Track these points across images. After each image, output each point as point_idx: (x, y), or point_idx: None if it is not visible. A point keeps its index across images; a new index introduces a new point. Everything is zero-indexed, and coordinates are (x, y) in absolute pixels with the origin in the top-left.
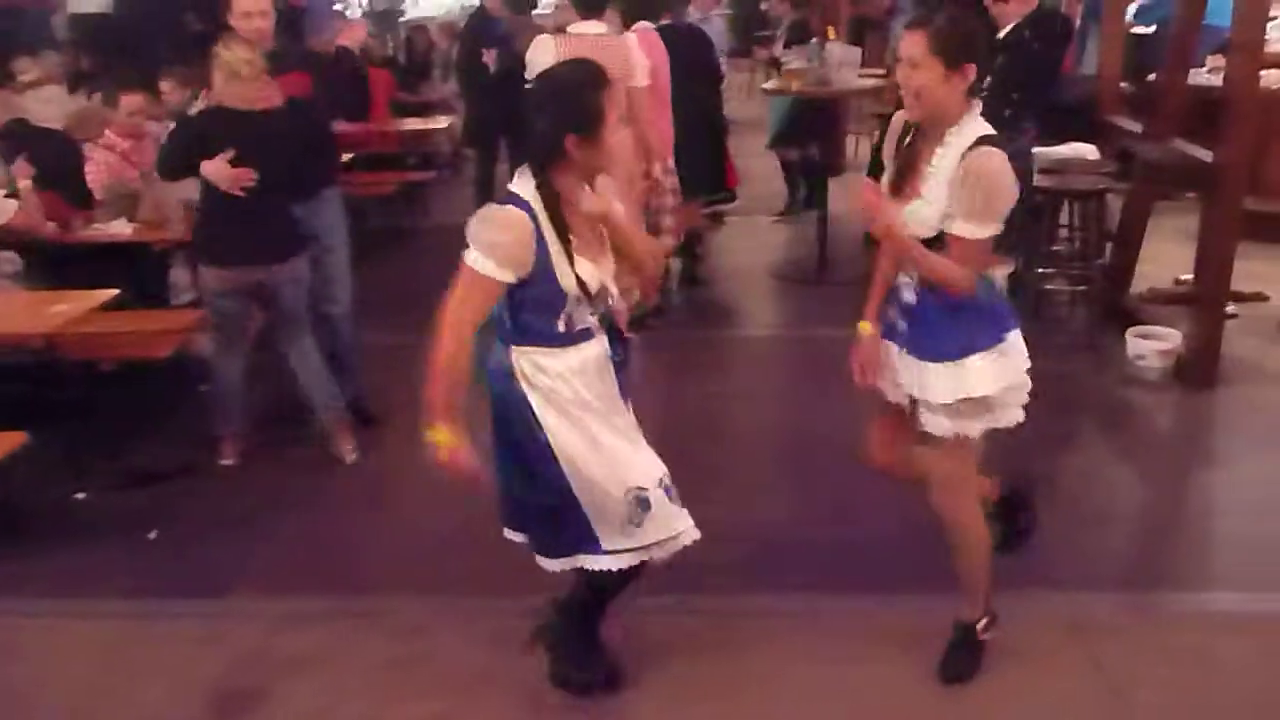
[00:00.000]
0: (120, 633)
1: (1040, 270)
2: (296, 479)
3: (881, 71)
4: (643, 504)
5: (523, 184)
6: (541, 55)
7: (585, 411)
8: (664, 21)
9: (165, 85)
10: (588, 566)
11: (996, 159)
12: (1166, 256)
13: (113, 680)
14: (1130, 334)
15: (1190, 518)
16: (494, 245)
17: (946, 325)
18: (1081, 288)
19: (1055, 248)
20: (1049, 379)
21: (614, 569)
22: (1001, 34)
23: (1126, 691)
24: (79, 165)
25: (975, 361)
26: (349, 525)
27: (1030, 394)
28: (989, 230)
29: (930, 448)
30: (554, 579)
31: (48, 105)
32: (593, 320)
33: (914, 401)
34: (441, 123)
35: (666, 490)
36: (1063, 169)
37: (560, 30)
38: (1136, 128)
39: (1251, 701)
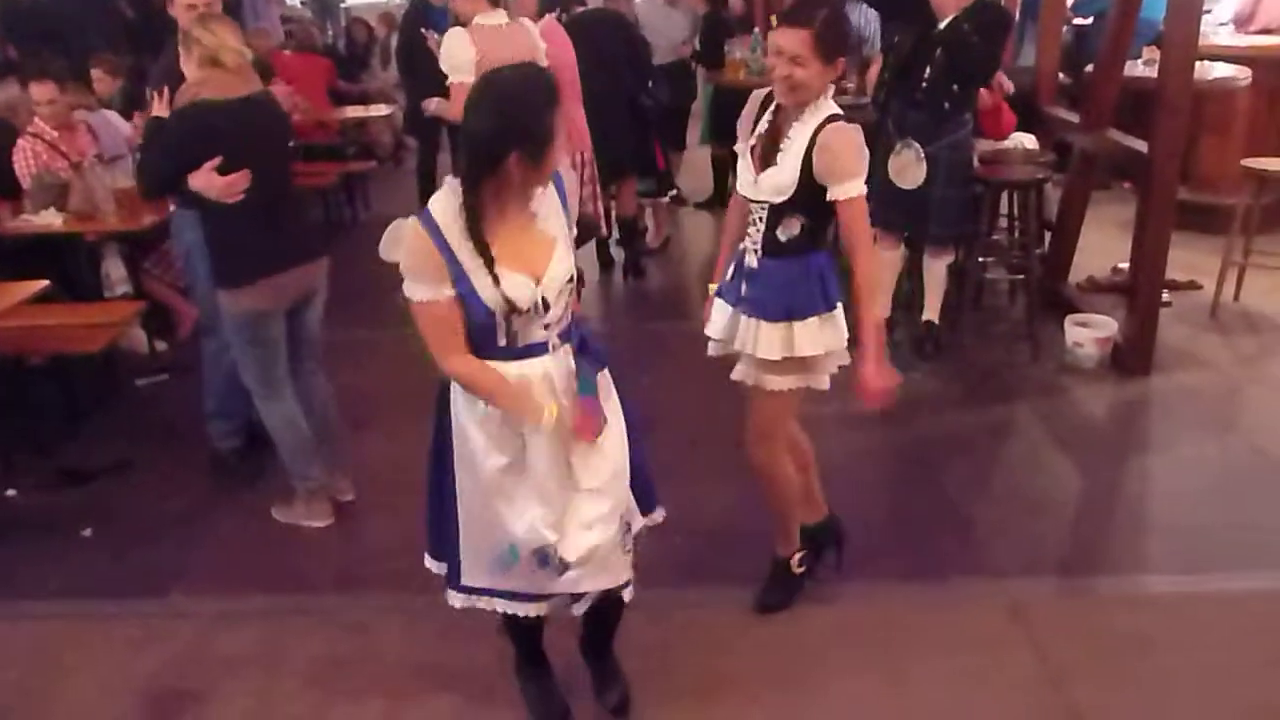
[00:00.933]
0: (52, 634)
1: (980, 259)
2: (233, 477)
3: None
4: (511, 553)
5: (443, 193)
6: (459, 48)
7: (503, 437)
8: (582, 8)
9: (95, 74)
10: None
11: (848, 129)
12: (1104, 246)
13: (44, 682)
14: (1068, 322)
15: (1126, 503)
16: (408, 269)
17: (784, 290)
18: (1020, 277)
19: (995, 237)
20: (989, 367)
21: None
22: (940, 27)
23: (1066, 675)
24: (8, 154)
25: (803, 325)
26: (288, 524)
27: (971, 381)
28: (857, 188)
29: (751, 404)
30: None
31: None
32: (547, 334)
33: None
34: (382, 111)
35: (542, 558)
36: (1002, 159)
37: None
38: (1074, 119)
39: (1188, 682)
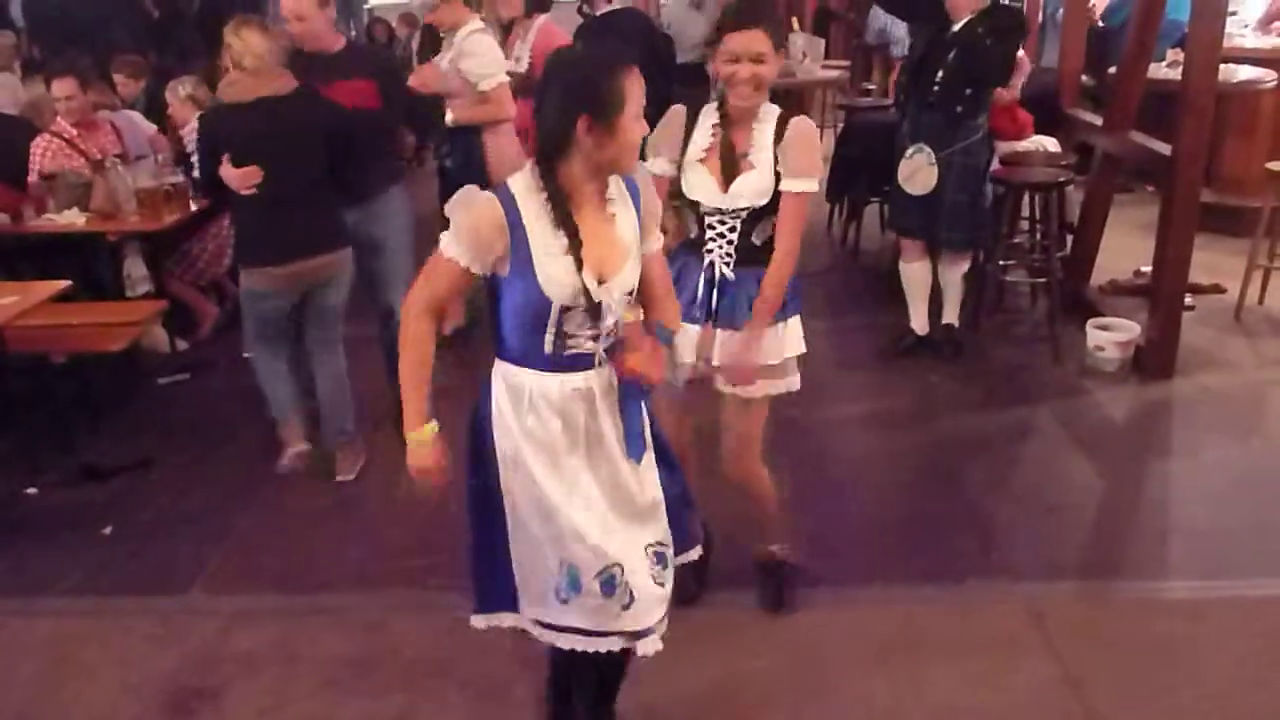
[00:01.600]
0: (72, 630)
1: (1001, 262)
2: (253, 475)
3: (846, 63)
4: (573, 582)
5: (523, 173)
6: (492, 47)
7: (555, 455)
8: (609, 8)
9: (118, 77)
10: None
11: (808, 124)
12: (1126, 249)
13: (63, 678)
14: (1090, 325)
15: (1147, 507)
16: (459, 227)
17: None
18: (1042, 280)
19: (1016, 240)
20: (1009, 369)
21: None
22: (954, 28)
23: (1084, 679)
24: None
25: (789, 325)
26: (306, 522)
27: (991, 384)
28: (813, 185)
29: (732, 415)
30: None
31: (1, 93)
32: (595, 346)
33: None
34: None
35: (608, 585)
36: (1024, 161)
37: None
38: (1096, 121)
39: (1207, 688)
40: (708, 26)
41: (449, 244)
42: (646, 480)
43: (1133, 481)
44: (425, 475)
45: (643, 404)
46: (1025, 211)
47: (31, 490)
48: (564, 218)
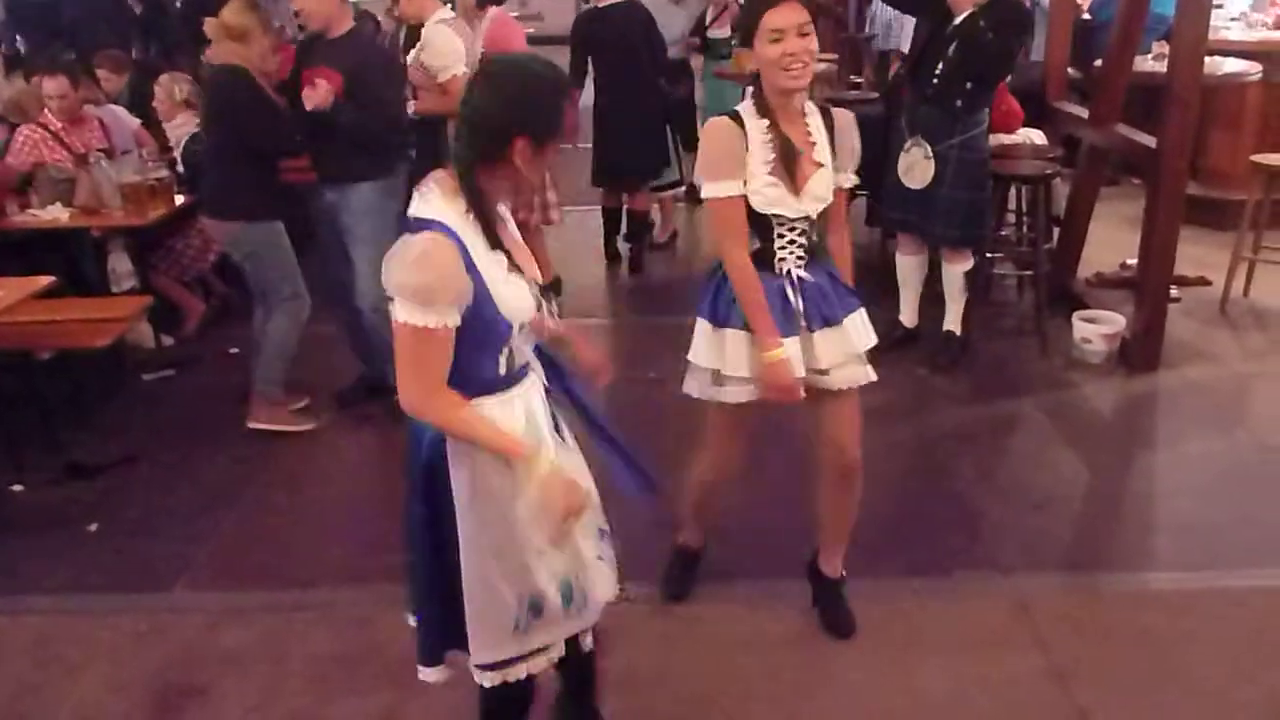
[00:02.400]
0: (57, 628)
1: (988, 254)
2: (239, 471)
3: (833, 56)
4: (535, 608)
5: (434, 199)
6: (450, 39)
7: (510, 496)
8: (604, 2)
9: (101, 73)
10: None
11: (847, 112)
12: (1112, 241)
13: (48, 676)
14: (1076, 318)
15: (1133, 499)
16: (425, 290)
17: (838, 279)
18: (1028, 272)
19: (1003, 232)
20: (995, 362)
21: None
22: (956, 21)
23: (1070, 671)
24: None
25: (858, 318)
26: (293, 518)
27: (978, 377)
28: (854, 176)
29: (843, 406)
30: None
31: None
32: (529, 352)
33: (820, 373)
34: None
35: (565, 595)
36: (1010, 154)
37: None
38: (1083, 113)
39: (1192, 681)
40: (687, 23)
41: (420, 314)
42: (579, 462)
43: (1119, 474)
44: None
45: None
46: (1012, 204)
47: (17, 488)
48: (493, 238)
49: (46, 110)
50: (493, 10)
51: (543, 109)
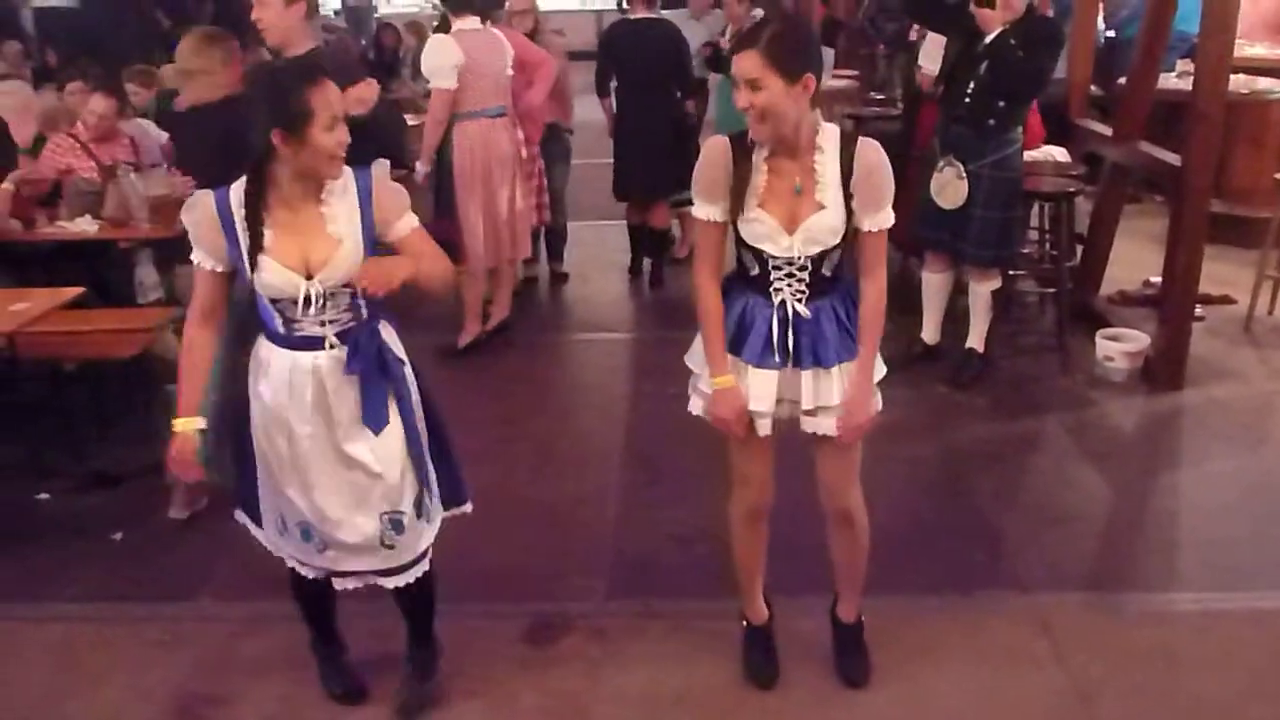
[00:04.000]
0: (81, 636)
1: (1010, 272)
2: None
3: (854, 72)
4: (281, 522)
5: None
6: (442, 53)
7: (279, 421)
8: (644, 14)
9: (130, 87)
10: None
11: (877, 147)
12: (1135, 259)
13: (71, 684)
14: (1099, 336)
15: (1156, 518)
16: (193, 235)
17: (844, 324)
18: (1050, 289)
19: (1025, 249)
20: (1017, 379)
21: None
22: (986, 40)
23: (1092, 691)
24: None
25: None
26: None
27: (999, 393)
28: (890, 217)
29: (834, 452)
30: (526, 585)
31: (10, 99)
32: (324, 331)
33: (806, 414)
34: (410, 120)
35: (304, 532)
36: (1033, 171)
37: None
38: (1106, 131)
39: (1213, 701)
40: (707, 38)
41: (195, 254)
42: (383, 452)
43: (1141, 492)
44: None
45: (386, 377)
46: (1034, 221)
47: (43, 496)
48: (252, 218)
49: (79, 123)
50: (470, 21)
51: (286, 102)
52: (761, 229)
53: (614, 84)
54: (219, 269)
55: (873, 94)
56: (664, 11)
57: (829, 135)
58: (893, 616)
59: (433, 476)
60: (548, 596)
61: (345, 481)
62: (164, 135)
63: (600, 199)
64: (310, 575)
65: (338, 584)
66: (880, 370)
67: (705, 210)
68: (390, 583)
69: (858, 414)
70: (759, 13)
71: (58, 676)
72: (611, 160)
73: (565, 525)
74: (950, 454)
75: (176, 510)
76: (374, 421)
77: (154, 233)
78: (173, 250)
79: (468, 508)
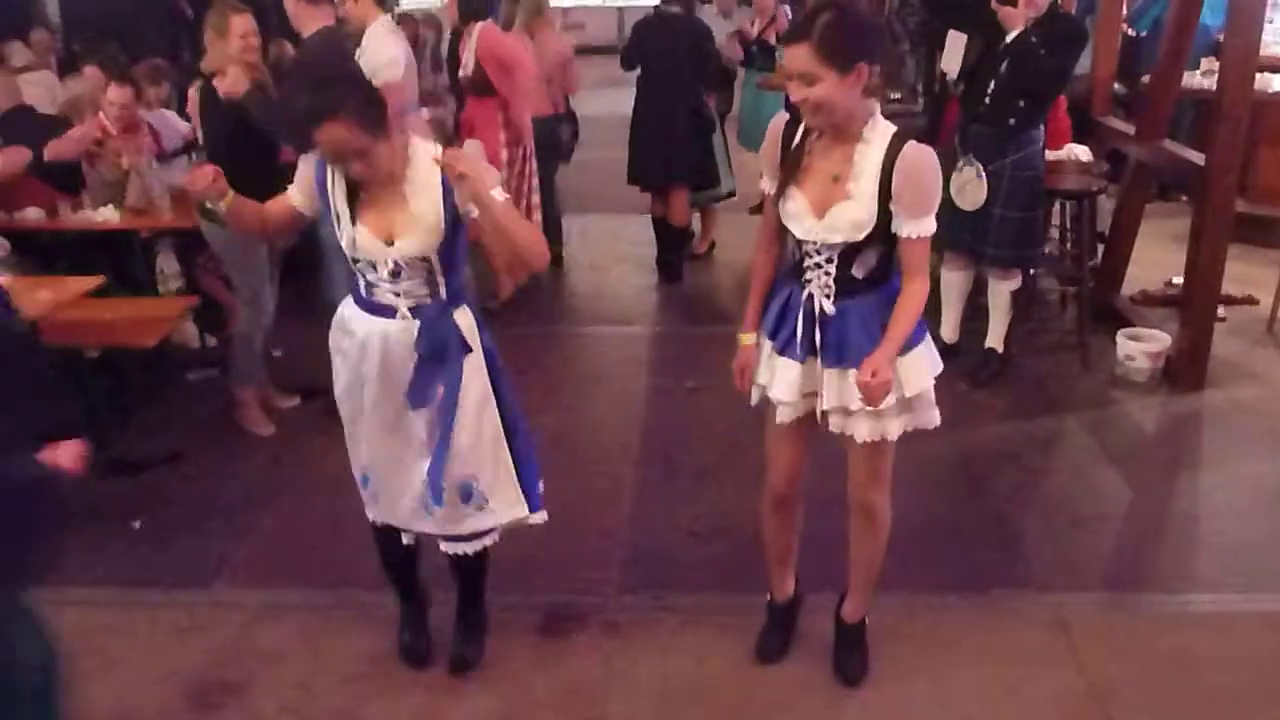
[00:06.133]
0: (99, 621)
1: (1030, 270)
2: (280, 470)
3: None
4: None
5: None
6: (388, 46)
7: (354, 375)
8: (669, 9)
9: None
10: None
11: (927, 152)
12: (1157, 259)
13: (86, 669)
14: (1120, 335)
15: (1176, 519)
16: (298, 175)
17: (874, 331)
18: (1072, 288)
19: (1045, 248)
20: (1037, 378)
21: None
22: (1008, 39)
23: (1109, 691)
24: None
25: (908, 359)
26: (332, 519)
27: (1019, 392)
28: (933, 224)
29: (858, 450)
30: (540, 578)
31: (36, 89)
32: (398, 302)
33: (824, 413)
34: (424, 115)
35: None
36: (1055, 170)
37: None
38: (1129, 129)
39: (1230, 703)
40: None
41: (291, 188)
42: (432, 428)
43: (1161, 493)
44: None
45: (442, 362)
46: (1055, 220)
47: None
48: (349, 186)
49: (101, 114)
50: (478, 25)
51: (355, 95)
52: (793, 207)
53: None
54: (303, 210)
55: (890, 93)
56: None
57: (879, 129)
58: (909, 614)
59: (488, 470)
60: (562, 589)
61: (397, 442)
62: (185, 125)
63: (617, 191)
64: (373, 518)
65: (404, 538)
66: (936, 366)
67: (763, 181)
68: (445, 546)
69: (880, 367)
70: (786, 7)
71: (75, 661)
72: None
73: (580, 518)
74: (969, 452)
75: (262, 427)
76: (415, 399)
77: (175, 222)
78: (193, 240)
79: (538, 517)
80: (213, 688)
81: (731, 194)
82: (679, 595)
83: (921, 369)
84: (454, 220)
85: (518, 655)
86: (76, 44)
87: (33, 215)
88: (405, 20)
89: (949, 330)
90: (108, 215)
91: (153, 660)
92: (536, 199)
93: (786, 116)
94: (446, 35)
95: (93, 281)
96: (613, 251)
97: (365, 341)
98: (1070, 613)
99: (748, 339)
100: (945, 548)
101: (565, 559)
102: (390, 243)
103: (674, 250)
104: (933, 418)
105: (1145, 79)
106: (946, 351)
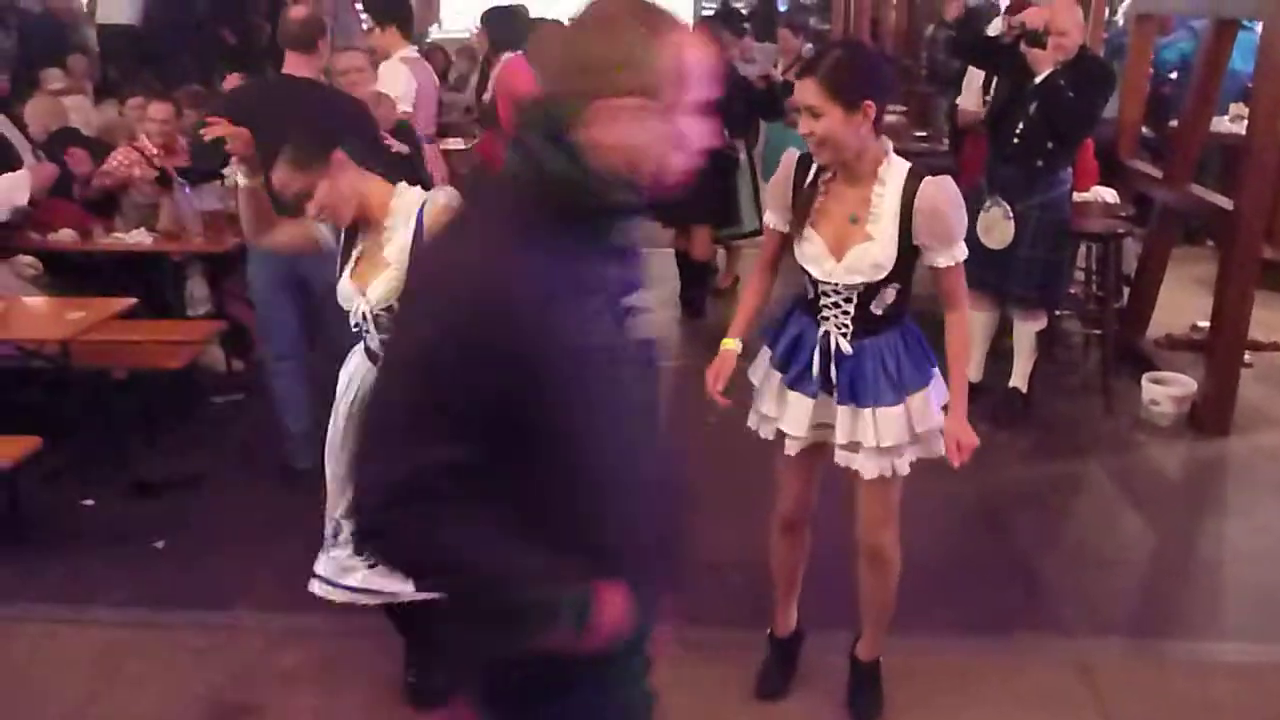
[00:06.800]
0: (120, 642)
1: (1055, 312)
2: (302, 496)
3: (903, 107)
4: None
5: None
6: (401, 78)
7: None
8: None
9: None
10: None
11: (945, 185)
12: (1183, 303)
13: (109, 689)
14: (1145, 379)
15: (1200, 565)
16: None
17: (889, 369)
18: (1096, 331)
19: (1071, 290)
20: (1060, 420)
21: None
22: (1036, 80)
23: None
24: None
25: (919, 397)
26: None
27: (1042, 434)
28: (964, 249)
29: (867, 489)
30: None
31: (72, 113)
32: (369, 338)
33: (841, 447)
34: (456, 145)
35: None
36: (1081, 212)
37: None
38: (1156, 173)
39: None
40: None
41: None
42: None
43: (1186, 539)
44: None
45: None
46: (1081, 261)
47: (88, 502)
48: (345, 235)
49: (144, 135)
50: (505, 56)
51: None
52: (810, 249)
53: None
54: (320, 243)
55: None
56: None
57: (895, 169)
58: (928, 654)
59: None
60: None
61: (335, 477)
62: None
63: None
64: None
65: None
66: (943, 395)
67: (768, 215)
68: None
69: (959, 436)
70: (810, 46)
71: (96, 681)
72: None
73: None
74: (990, 493)
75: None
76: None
77: (205, 246)
78: (222, 264)
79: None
80: (230, 710)
81: (757, 232)
82: (695, 628)
83: (930, 406)
84: None
85: None
86: (112, 70)
87: (66, 236)
88: (434, 51)
89: (972, 369)
90: (139, 238)
91: (173, 681)
92: None
93: (799, 154)
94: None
95: (125, 303)
96: None
97: (350, 378)
98: (1093, 657)
99: (730, 344)
100: (966, 588)
101: None
102: (364, 292)
103: (696, 286)
104: (939, 448)
105: (1173, 123)
106: (971, 390)
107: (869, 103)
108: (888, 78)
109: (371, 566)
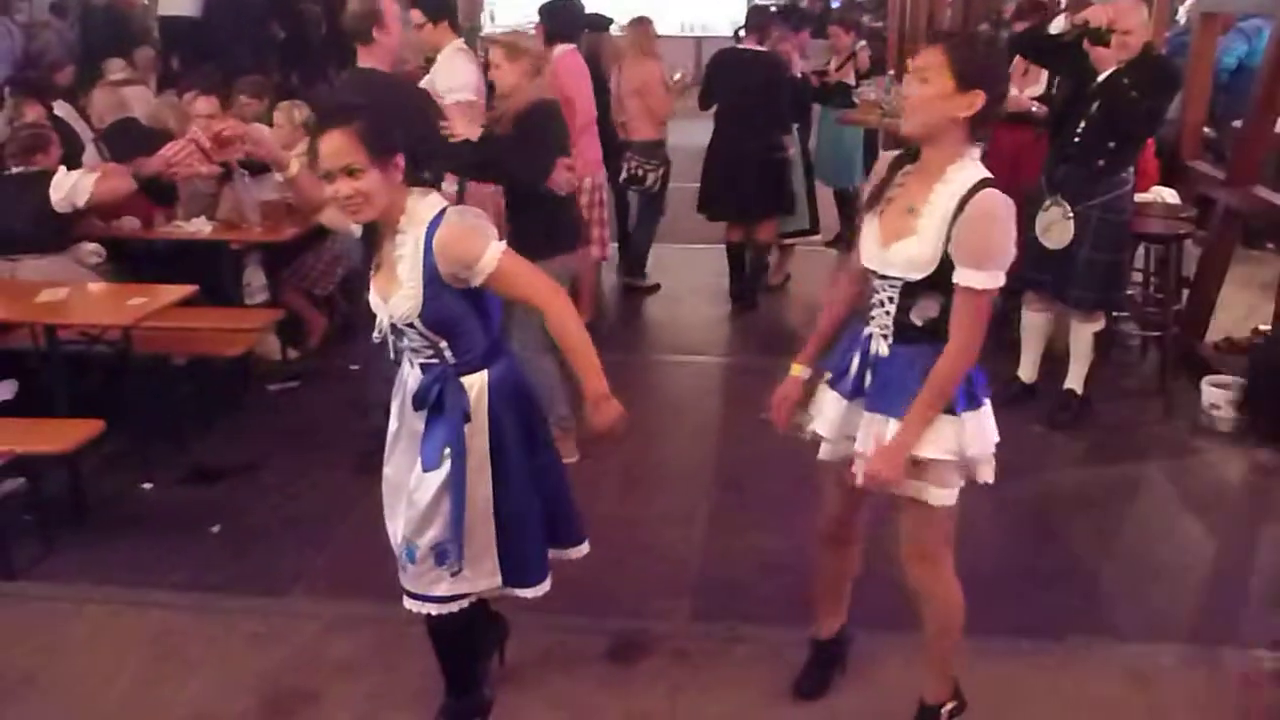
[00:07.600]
0: (176, 625)
1: (1113, 314)
2: (356, 483)
3: None
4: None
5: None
6: (464, 67)
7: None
8: (745, 45)
9: (241, 98)
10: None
11: (1001, 202)
12: (1244, 306)
13: (165, 671)
14: (1205, 383)
15: (1259, 573)
16: None
17: (910, 384)
18: (1155, 333)
19: (1129, 291)
20: (1117, 423)
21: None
22: (1099, 79)
23: None
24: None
25: (972, 418)
26: None
27: (1098, 437)
28: (995, 281)
29: (908, 514)
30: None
31: (134, 103)
32: (412, 355)
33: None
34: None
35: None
36: (1141, 212)
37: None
38: (1218, 174)
39: None
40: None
41: None
42: (422, 484)
43: (1245, 545)
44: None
45: (444, 425)
46: (1139, 263)
47: (147, 486)
48: (367, 242)
49: (195, 127)
50: (558, 49)
51: (371, 119)
52: (866, 232)
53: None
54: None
55: None
56: None
57: (965, 172)
58: (981, 658)
59: (465, 538)
60: (631, 615)
61: (394, 485)
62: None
63: (691, 222)
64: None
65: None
66: (977, 445)
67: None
68: (407, 602)
69: (883, 462)
70: (864, 43)
71: (153, 664)
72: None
73: (651, 545)
74: (1045, 496)
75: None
76: (426, 459)
77: (264, 236)
78: (279, 254)
79: (577, 551)
80: (286, 695)
81: (807, 230)
82: (750, 626)
83: (971, 435)
84: (439, 288)
85: (585, 678)
86: (175, 62)
87: (128, 224)
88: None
89: (1028, 371)
90: (199, 226)
91: (228, 666)
92: (606, 233)
93: (891, 154)
94: None
95: (185, 290)
96: (687, 281)
97: (403, 381)
98: (1149, 664)
99: (797, 370)
100: (1019, 591)
101: (636, 585)
102: (386, 300)
103: (748, 280)
104: (986, 471)
105: (1236, 124)
106: (1024, 392)
107: (979, 92)
108: (1004, 84)
109: (455, 574)
